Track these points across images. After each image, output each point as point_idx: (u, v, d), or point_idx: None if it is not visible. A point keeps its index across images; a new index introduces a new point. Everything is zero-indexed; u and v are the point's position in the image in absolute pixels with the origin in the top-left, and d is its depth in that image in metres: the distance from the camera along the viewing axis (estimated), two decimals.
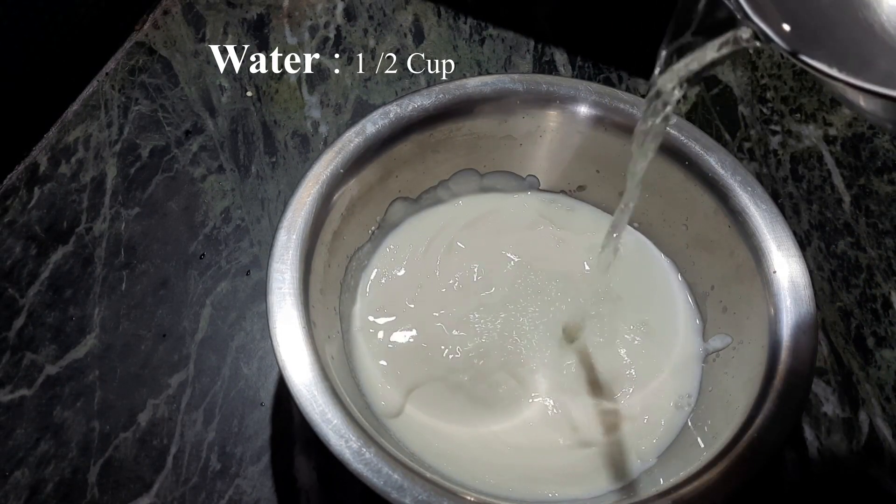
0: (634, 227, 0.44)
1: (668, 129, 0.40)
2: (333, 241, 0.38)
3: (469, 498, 0.31)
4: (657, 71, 0.29)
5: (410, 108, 0.40)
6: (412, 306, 0.40)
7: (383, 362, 0.39)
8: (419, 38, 0.56)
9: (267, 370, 0.42)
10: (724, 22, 0.25)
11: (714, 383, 0.38)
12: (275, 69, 0.54)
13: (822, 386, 0.42)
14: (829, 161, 0.51)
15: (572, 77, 0.54)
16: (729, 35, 0.25)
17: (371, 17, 0.57)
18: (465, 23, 0.56)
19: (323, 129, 0.51)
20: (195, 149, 0.50)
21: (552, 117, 0.42)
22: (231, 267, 0.45)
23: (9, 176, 0.48)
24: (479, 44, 0.56)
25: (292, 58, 0.54)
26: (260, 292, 0.44)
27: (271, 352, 0.33)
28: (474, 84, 0.41)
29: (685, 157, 0.40)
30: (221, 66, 0.54)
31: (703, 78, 0.54)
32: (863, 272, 0.46)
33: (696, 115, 0.52)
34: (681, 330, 0.41)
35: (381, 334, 0.40)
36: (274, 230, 0.36)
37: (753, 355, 0.36)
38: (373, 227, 0.42)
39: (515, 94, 0.41)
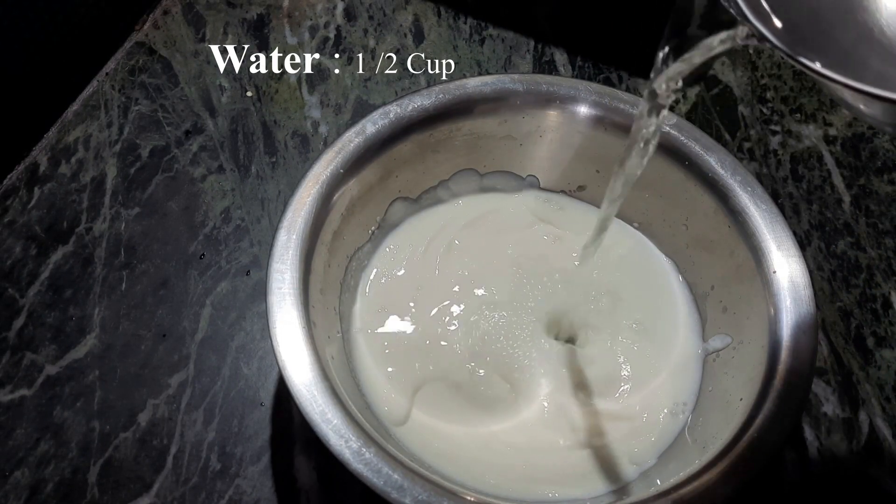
0: (634, 227, 0.44)
1: (668, 129, 0.40)
2: (333, 241, 0.38)
3: (469, 498, 0.31)
4: (654, 73, 0.29)
5: (410, 108, 0.40)
6: (412, 306, 0.40)
7: (383, 364, 0.39)
8: (419, 38, 0.56)
9: (267, 370, 0.42)
10: (723, 22, 0.25)
11: (714, 383, 0.38)
12: (275, 69, 0.54)
13: (822, 386, 0.42)
14: (829, 161, 0.51)
15: (572, 77, 0.54)
16: (727, 35, 0.25)
17: (371, 17, 0.57)
18: (465, 23, 0.56)
19: (323, 129, 0.51)
20: (195, 149, 0.50)
21: (552, 117, 0.42)
22: (231, 267, 0.45)
23: (9, 176, 0.48)
24: (479, 44, 0.56)
25: (292, 58, 0.54)
26: (260, 292, 0.44)
27: (271, 352, 0.33)
28: (474, 84, 0.41)
29: (685, 157, 0.40)
30: (221, 66, 0.54)
31: (703, 78, 0.54)
32: (863, 272, 0.46)
33: (696, 115, 0.52)
34: (681, 330, 0.41)
35: (380, 334, 0.40)
36: (274, 230, 0.36)
37: (753, 355, 0.36)
38: (373, 227, 0.42)
39: (515, 94, 0.41)
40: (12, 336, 0.42)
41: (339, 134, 0.39)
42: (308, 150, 0.50)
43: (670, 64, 0.28)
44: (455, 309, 0.40)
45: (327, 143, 0.42)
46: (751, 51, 0.56)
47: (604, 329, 0.40)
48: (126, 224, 0.46)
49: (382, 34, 0.56)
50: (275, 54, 0.54)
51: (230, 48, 0.54)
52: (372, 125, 0.39)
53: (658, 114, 0.30)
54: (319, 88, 0.53)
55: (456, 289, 0.41)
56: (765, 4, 0.23)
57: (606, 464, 0.37)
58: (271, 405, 0.41)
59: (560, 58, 0.55)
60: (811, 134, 0.52)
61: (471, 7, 0.57)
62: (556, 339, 0.40)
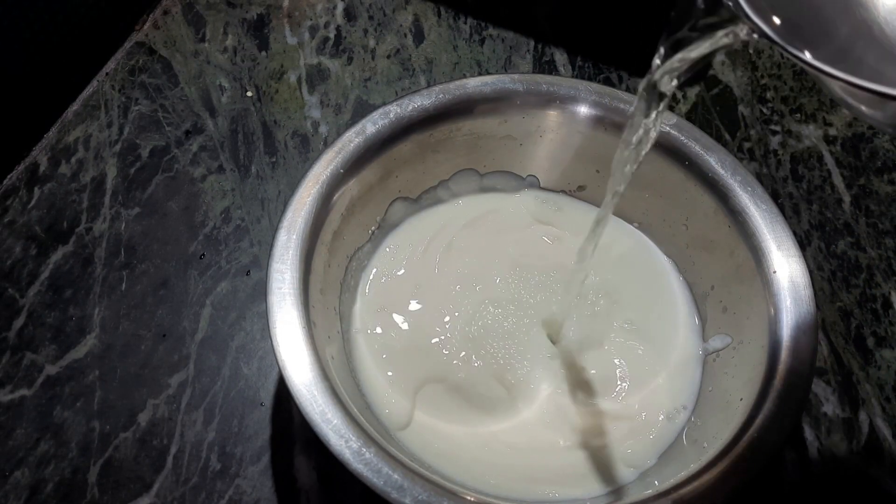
0: (634, 227, 0.44)
1: (668, 129, 0.40)
2: (333, 241, 0.38)
3: (469, 498, 0.31)
4: (656, 62, 0.28)
5: (410, 108, 0.40)
6: (412, 306, 0.40)
7: (383, 364, 0.39)
8: (419, 38, 0.56)
9: (267, 370, 0.42)
10: (723, 18, 0.25)
11: (714, 383, 0.38)
12: (275, 69, 0.54)
13: (822, 386, 0.42)
14: (829, 161, 0.51)
15: (572, 77, 0.54)
16: (726, 31, 0.25)
17: (371, 17, 0.57)
18: (465, 23, 0.56)
19: (323, 129, 0.51)
20: (195, 149, 0.50)
21: (552, 117, 0.42)
22: (231, 267, 0.45)
23: (9, 176, 0.48)
24: (479, 44, 0.56)
25: (292, 58, 0.54)
26: (260, 292, 0.44)
27: (271, 352, 0.33)
28: (474, 84, 0.41)
29: (685, 157, 0.40)
30: (221, 66, 0.54)
31: (703, 78, 0.54)
32: (863, 272, 0.46)
33: (696, 115, 0.52)
34: (681, 330, 0.41)
35: (380, 334, 0.40)
36: (274, 230, 0.36)
37: (753, 355, 0.36)
38: (373, 227, 0.42)
39: (515, 94, 0.41)
40: (12, 336, 0.42)
41: (339, 134, 0.39)
42: (308, 150, 0.50)
43: (670, 57, 0.28)
44: (455, 309, 0.40)
45: (327, 143, 0.42)
46: (751, 51, 0.56)
47: (603, 329, 0.40)
48: (126, 224, 0.46)
49: (382, 34, 0.56)
50: (275, 54, 0.54)
51: (230, 48, 0.54)
52: (372, 125, 0.39)
53: (658, 105, 0.30)
54: (319, 88, 0.53)
55: (456, 289, 0.41)
56: (764, 1, 0.23)
57: (606, 464, 0.37)
58: (271, 405, 0.41)
59: (560, 58, 0.55)
60: (811, 134, 0.52)
61: (471, 7, 0.57)
62: (556, 339, 0.40)
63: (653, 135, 0.32)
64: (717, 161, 0.39)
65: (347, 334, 0.39)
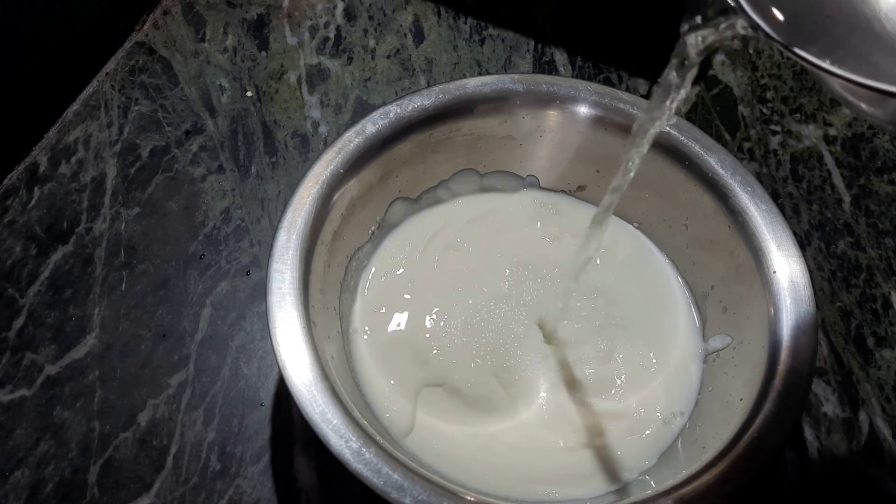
0: (634, 227, 0.44)
1: (668, 128, 0.40)
2: (333, 241, 0.38)
3: (469, 498, 0.31)
4: (682, 33, 0.28)
5: (410, 108, 0.40)
6: (412, 306, 0.40)
7: (383, 363, 0.39)
8: (419, 38, 0.56)
9: (267, 370, 0.42)
10: (726, 9, 0.25)
11: (714, 383, 0.38)
12: (275, 69, 0.54)
13: (822, 386, 0.42)
14: (829, 161, 0.51)
15: (572, 77, 0.54)
16: (725, 26, 0.25)
17: (371, 17, 0.57)
18: (465, 23, 0.56)
19: (323, 129, 0.51)
20: (195, 149, 0.50)
21: (552, 117, 0.42)
22: (231, 267, 0.45)
23: (9, 176, 0.48)
24: (479, 44, 0.56)
25: (292, 58, 0.54)
26: (260, 292, 0.44)
27: (271, 352, 0.33)
28: (474, 84, 0.41)
29: (685, 157, 0.40)
30: (221, 66, 0.54)
31: (703, 78, 0.54)
32: (863, 272, 0.46)
33: (696, 115, 0.52)
34: (681, 330, 0.41)
35: (380, 334, 0.40)
36: (274, 230, 0.36)
37: (753, 355, 0.36)
38: (373, 227, 0.42)
39: (515, 94, 0.41)
40: (12, 336, 0.42)
41: (339, 134, 0.39)
42: (308, 150, 0.50)
43: (691, 34, 0.27)
44: (454, 308, 0.40)
45: (327, 143, 0.42)
46: (751, 50, 0.56)
47: (603, 329, 0.40)
48: (126, 224, 0.46)
49: (382, 34, 0.56)
50: (275, 54, 0.54)
51: (230, 48, 0.54)
52: (372, 125, 0.39)
53: (687, 75, 0.29)
54: (319, 88, 0.53)
55: (455, 288, 0.41)
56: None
57: (606, 464, 0.37)
58: (271, 405, 0.41)
59: (560, 58, 0.55)
60: (811, 134, 0.52)
61: (471, 7, 0.57)
62: (556, 338, 0.40)
63: (677, 103, 0.31)
64: (717, 161, 0.39)
65: (347, 334, 0.39)
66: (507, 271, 0.42)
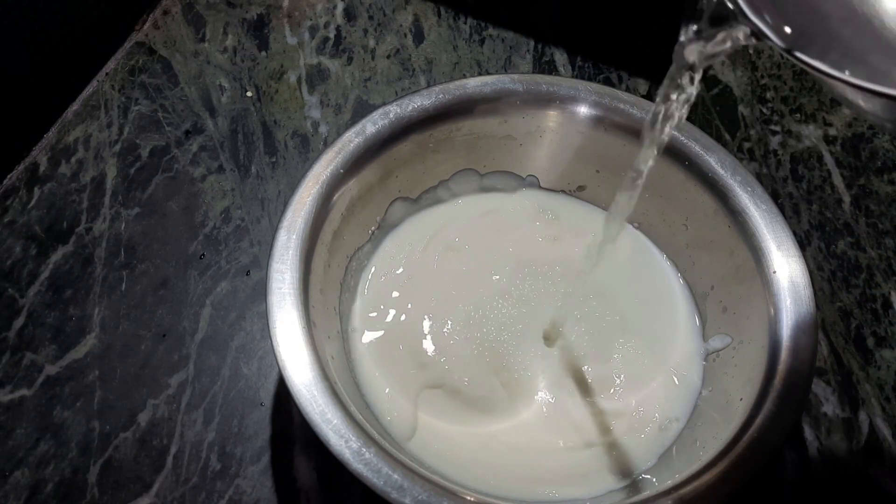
0: (634, 227, 0.44)
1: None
2: (333, 241, 0.38)
3: (469, 498, 0.31)
4: (679, 45, 0.28)
5: (410, 108, 0.40)
6: (412, 306, 0.40)
7: (383, 363, 0.39)
8: (419, 38, 0.56)
9: (267, 370, 0.42)
10: (726, 16, 0.25)
11: (714, 383, 0.38)
12: (275, 69, 0.54)
13: (822, 386, 0.42)
14: (829, 161, 0.51)
15: (572, 77, 0.54)
16: (726, 31, 0.25)
17: (371, 17, 0.57)
18: (465, 23, 0.56)
19: (323, 129, 0.51)
20: (195, 149, 0.50)
21: (552, 117, 0.42)
22: (231, 267, 0.45)
23: (9, 176, 0.48)
24: (479, 44, 0.56)
25: (292, 58, 0.54)
26: (260, 292, 0.44)
27: (271, 352, 0.33)
28: (474, 84, 0.41)
29: (685, 157, 0.40)
30: (221, 66, 0.54)
31: (703, 78, 0.54)
32: (863, 272, 0.46)
33: (696, 115, 0.52)
34: (681, 330, 0.41)
35: (380, 334, 0.40)
36: (274, 230, 0.36)
37: (753, 355, 0.36)
38: (373, 227, 0.42)
39: (515, 94, 0.41)
40: (12, 336, 0.42)
41: (339, 134, 0.39)
42: (308, 150, 0.50)
43: (691, 44, 0.27)
44: (454, 308, 0.40)
45: (327, 143, 0.42)
46: (751, 51, 0.56)
47: (603, 329, 0.40)
48: (126, 224, 0.46)
49: (382, 34, 0.56)
50: (275, 54, 0.54)
51: (230, 48, 0.54)
52: (372, 125, 0.39)
53: (692, 82, 0.29)
54: (319, 88, 0.53)
55: (455, 288, 0.41)
56: (765, 1, 0.23)
57: (606, 464, 0.37)
58: (271, 405, 0.41)
59: (560, 58, 0.55)
60: (811, 134, 0.52)
61: (471, 7, 0.57)
62: (556, 338, 0.40)
63: (685, 109, 0.31)
64: (717, 161, 0.39)
65: (347, 334, 0.39)
66: (507, 271, 0.42)
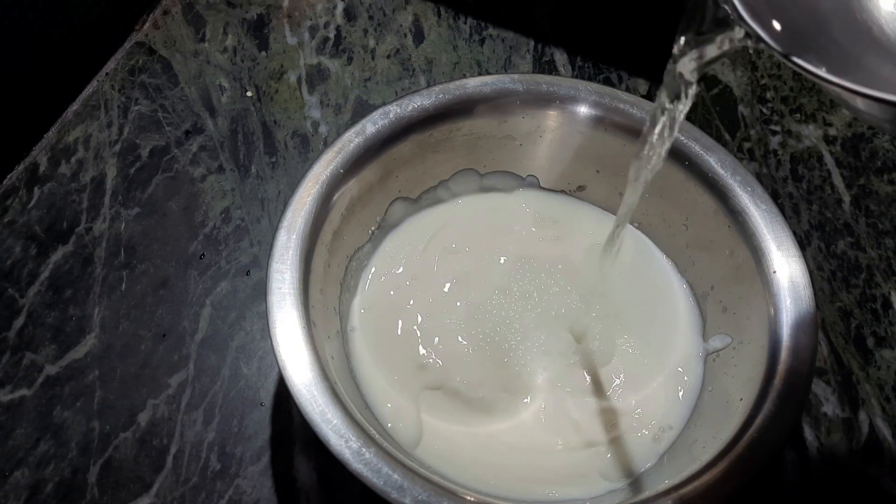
0: (634, 227, 0.44)
1: None
2: (333, 241, 0.38)
3: (469, 498, 0.31)
4: (672, 59, 0.28)
5: (410, 108, 0.40)
6: (412, 306, 0.40)
7: (383, 363, 0.39)
8: (419, 38, 0.56)
9: (267, 370, 0.42)
10: (724, 21, 0.25)
11: (714, 383, 0.38)
12: (275, 69, 0.54)
13: (822, 386, 0.42)
14: (829, 161, 0.51)
15: (572, 77, 0.54)
16: (723, 35, 0.25)
17: (371, 17, 0.57)
18: (465, 23, 0.56)
19: (323, 129, 0.51)
20: (195, 149, 0.50)
21: (552, 117, 0.42)
22: (231, 267, 0.45)
23: (9, 176, 0.48)
24: (479, 44, 0.56)
25: (292, 58, 0.54)
26: (260, 292, 0.44)
27: (271, 352, 0.33)
28: (474, 84, 0.41)
29: (685, 157, 0.40)
30: (221, 66, 0.54)
31: (703, 78, 0.54)
32: (863, 272, 0.46)
33: (696, 115, 0.52)
34: (681, 330, 0.41)
35: (380, 334, 0.40)
36: (274, 230, 0.36)
37: (753, 355, 0.36)
38: (373, 227, 0.42)
39: (515, 94, 0.41)
40: (12, 336, 0.42)
41: (339, 134, 0.39)
42: (308, 150, 0.50)
43: (685, 54, 0.28)
44: (454, 308, 0.40)
45: (327, 143, 0.42)
46: (751, 51, 0.56)
47: (603, 329, 0.40)
48: (126, 224, 0.46)
49: (382, 34, 0.56)
50: (275, 54, 0.54)
51: (230, 48, 0.54)
52: (372, 125, 0.39)
53: (686, 93, 0.30)
54: (319, 88, 0.53)
55: (455, 288, 0.41)
56: (763, 6, 0.23)
57: (607, 464, 0.37)
58: (271, 405, 0.41)
59: (560, 58, 0.55)
60: (811, 134, 0.52)
61: (471, 7, 0.57)
62: (555, 338, 0.40)
63: (677, 124, 0.31)
64: (717, 161, 0.39)
65: (347, 334, 0.39)
66: (507, 271, 0.42)
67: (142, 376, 0.41)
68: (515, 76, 0.42)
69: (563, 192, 0.45)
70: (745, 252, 0.38)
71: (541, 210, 0.44)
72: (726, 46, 0.26)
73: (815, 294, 0.36)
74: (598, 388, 0.39)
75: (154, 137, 0.50)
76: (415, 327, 0.40)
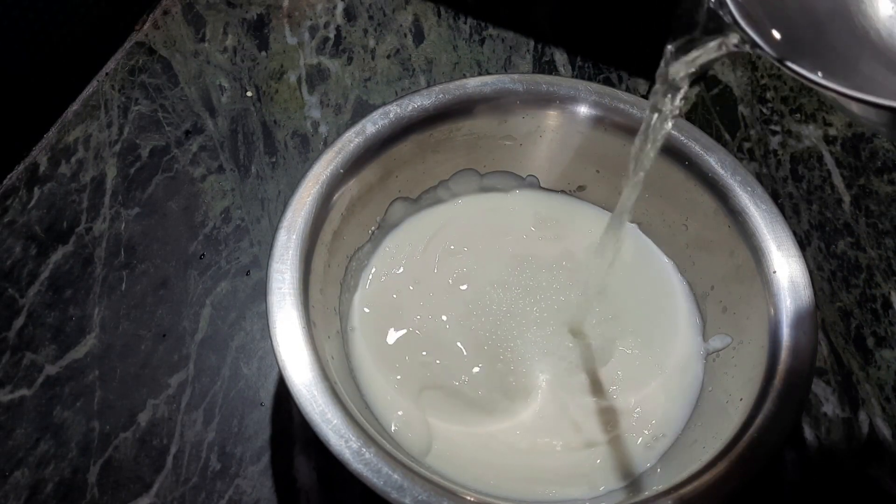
0: (635, 227, 0.44)
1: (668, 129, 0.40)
2: (333, 241, 0.38)
3: (469, 498, 0.31)
4: (664, 62, 0.28)
5: (410, 108, 0.40)
6: (411, 306, 0.40)
7: (383, 364, 0.39)
8: (419, 38, 0.56)
9: (267, 370, 0.42)
10: (719, 25, 0.25)
11: (714, 383, 0.38)
12: (275, 69, 0.54)
13: (822, 386, 0.42)
14: (829, 161, 0.51)
15: (572, 77, 0.54)
16: (718, 40, 0.25)
17: (371, 17, 0.57)
18: (465, 23, 0.56)
19: (323, 129, 0.51)
20: (195, 149, 0.50)
21: (552, 117, 0.42)
22: (231, 267, 0.45)
23: (9, 176, 0.48)
24: (479, 44, 0.56)
25: (292, 58, 0.54)
26: (260, 292, 0.44)
27: (271, 352, 0.33)
28: (474, 84, 0.41)
29: (685, 157, 0.40)
30: (221, 66, 0.54)
31: (703, 78, 0.54)
32: (863, 272, 0.46)
33: (696, 115, 0.52)
34: (681, 330, 0.41)
35: (380, 334, 0.40)
36: (274, 230, 0.36)
37: (753, 355, 0.36)
38: (373, 227, 0.42)
39: (515, 94, 0.41)
40: (12, 336, 0.42)
41: (339, 134, 0.39)
42: (308, 150, 0.50)
43: (677, 60, 0.28)
44: (454, 308, 0.40)
45: (327, 143, 0.42)
46: (750, 53, 0.56)
47: (603, 329, 0.40)
48: (126, 224, 0.46)
49: (382, 34, 0.56)
50: (275, 54, 0.54)
51: (230, 48, 0.54)
52: (372, 125, 0.39)
53: (674, 97, 0.30)
54: (319, 88, 0.53)
55: (455, 288, 0.41)
56: (760, 11, 0.23)
57: (607, 464, 0.37)
58: (271, 405, 0.41)
59: (560, 58, 0.55)
60: (811, 134, 0.52)
61: (471, 7, 0.57)
62: (555, 338, 0.40)
63: (668, 125, 0.31)
64: (717, 161, 0.39)
65: (347, 334, 0.39)
66: (507, 271, 0.42)
67: (142, 376, 0.41)
68: (515, 76, 0.42)
69: (563, 192, 0.45)
70: (745, 252, 0.38)
71: (541, 210, 0.44)
72: (721, 52, 0.26)
73: (815, 294, 0.36)
74: (598, 388, 0.39)
75: (154, 137, 0.50)
76: (415, 327, 0.40)
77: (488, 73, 0.52)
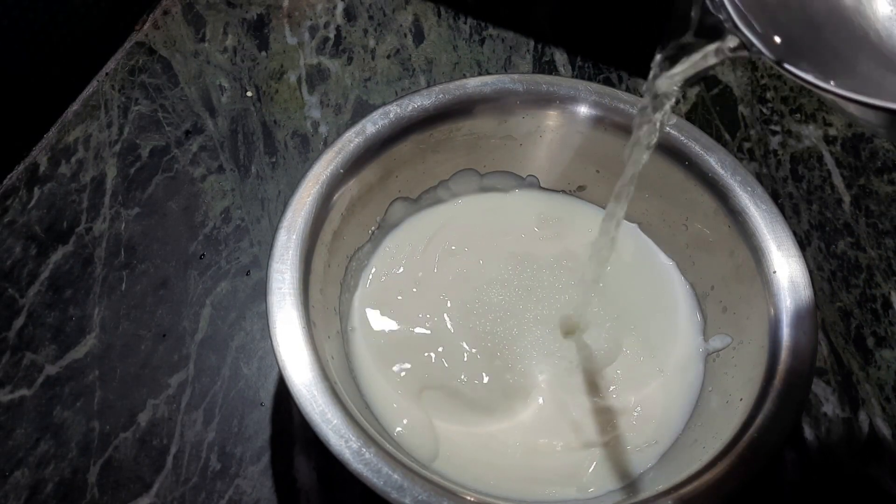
0: (635, 227, 0.44)
1: (668, 128, 0.40)
2: (333, 241, 0.38)
3: (469, 498, 0.31)
4: (652, 75, 0.28)
5: (410, 108, 0.40)
6: (412, 306, 0.40)
7: (383, 364, 0.39)
8: (419, 38, 0.56)
9: (267, 370, 0.42)
10: (716, 29, 0.25)
11: (714, 383, 0.38)
12: (275, 69, 0.54)
13: (822, 386, 0.42)
14: (829, 161, 0.51)
15: (572, 77, 0.54)
16: (716, 45, 0.25)
17: (371, 17, 0.57)
18: (465, 23, 0.56)
19: (323, 129, 0.51)
20: (195, 149, 0.50)
21: (552, 117, 0.42)
22: (231, 267, 0.45)
23: (9, 176, 0.48)
24: (479, 44, 0.56)
25: (292, 58, 0.54)
26: (260, 292, 0.44)
27: (271, 352, 0.33)
28: (474, 84, 0.41)
29: (685, 157, 0.40)
30: (221, 66, 0.54)
31: (703, 78, 0.54)
32: (863, 272, 0.46)
33: (696, 115, 0.52)
34: (681, 330, 0.41)
35: (380, 334, 0.40)
36: (274, 230, 0.36)
37: (753, 355, 0.36)
38: (373, 227, 0.42)
39: (515, 94, 0.41)
40: (12, 336, 0.42)
41: (339, 134, 0.39)
42: (308, 150, 0.50)
43: (666, 70, 0.28)
44: (454, 308, 0.40)
45: (327, 143, 0.42)
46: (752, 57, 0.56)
47: (603, 329, 0.40)
48: (126, 224, 0.46)
49: (382, 34, 0.56)
50: (275, 54, 0.54)
51: (230, 48, 0.54)
52: (372, 125, 0.39)
53: (661, 109, 0.30)
54: (319, 88, 0.53)
55: (455, 288, 0.41)
56: (758, 13, 0.23)
57: (607, 464, 0.37)
58: (271, 405, 0.41)
59: (560, 58, 0.55)
60: (811, 134, 0.52)
61: (471, 7, 0.57)
62: (555, 338, 0.40)
63: (657, 133, 0.32)
64: (717, 161, 0.39)
65: (347, 334, 0.39)
66: (507, 271, 0.42)
67: (142, 376, 0.41)
68: (515, 76, 0.42)
69: (563, 192, 0.45)
70: (745, 252, 0.38)
71: (541, 210, 0.44)
72: (717, 58, 0.26)
73: (815, 294, 0.36)
74: (598, 388, 0.39)
75: (154, 137, 0.50)
76: (415, 328, 0.40)
77: (488, 73, 0.52)
